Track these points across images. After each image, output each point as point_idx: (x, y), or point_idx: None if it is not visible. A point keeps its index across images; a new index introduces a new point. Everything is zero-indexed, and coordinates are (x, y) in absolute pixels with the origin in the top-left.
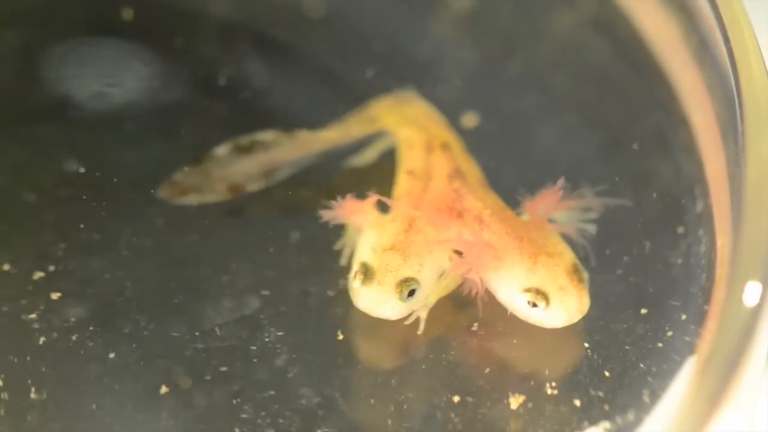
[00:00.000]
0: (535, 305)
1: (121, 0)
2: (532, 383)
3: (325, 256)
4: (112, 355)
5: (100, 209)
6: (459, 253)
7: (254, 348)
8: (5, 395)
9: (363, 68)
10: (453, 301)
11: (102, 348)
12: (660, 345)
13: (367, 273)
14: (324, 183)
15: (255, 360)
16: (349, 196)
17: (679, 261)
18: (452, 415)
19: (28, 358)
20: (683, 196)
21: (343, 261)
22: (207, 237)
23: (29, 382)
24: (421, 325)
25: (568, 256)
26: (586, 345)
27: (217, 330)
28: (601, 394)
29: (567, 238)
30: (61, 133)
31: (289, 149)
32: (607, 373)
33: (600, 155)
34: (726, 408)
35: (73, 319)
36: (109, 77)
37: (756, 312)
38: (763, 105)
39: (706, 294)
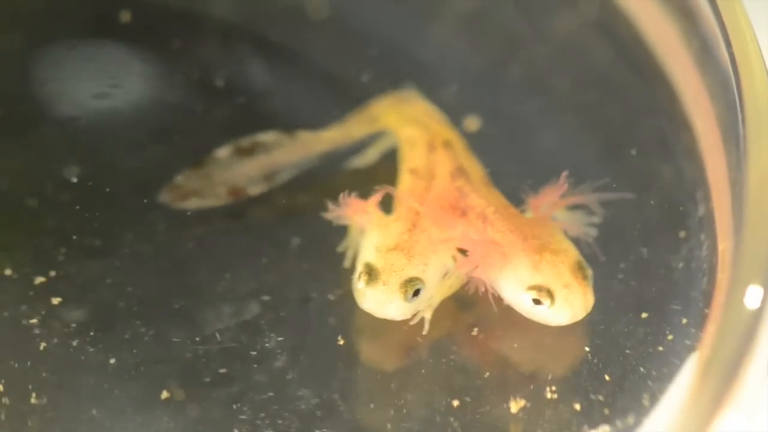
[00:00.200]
0: (539, 303)
1: (120, 3)
2: (532, 387)
3: (325, 261)
4: (112, 360)
5: (101, 214)
6: (463, 251)
7: (254, 353)
8: (6, 400)
9: (364, 71)
10: (453, 304)
11: (102, 353)
12: (660, 349)
13: (371, 273)
14: (325, 184)
15: (255, 365)
16: (352, 195)
17: (681, 265)
18: (452, 419)
19: (29, 363)
20: (685, 200)
21: (346, 263)
22: (207, 242)
23: (30, 387)
24: (426, 326)
25: (572, 254)
26: (587, 348)
27: (218, 335)
28: (601, 397)
29: (570, 236)
30: (61, 137)
31: (291, 150)
32: (607, 377)
33: (601, 159)
34: (727, 411)
35: (73, 325)
36: (109, 81)
37: (757, 315)
38: (764, 109)
39: (707, 298)
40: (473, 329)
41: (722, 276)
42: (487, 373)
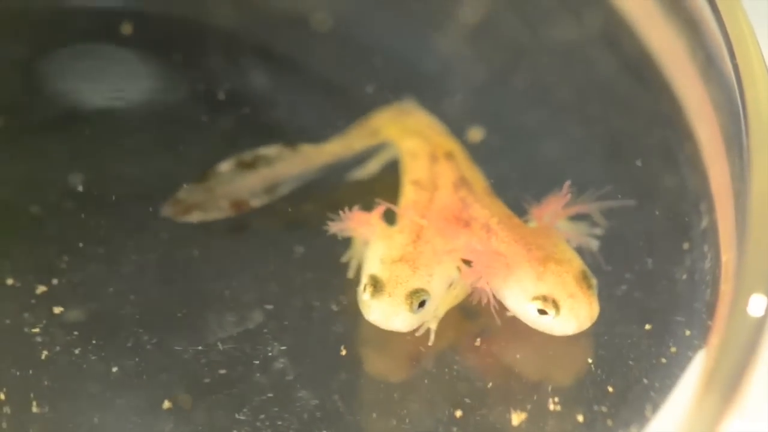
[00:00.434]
0: (544, 313)
1: (124, 13)
2: (535, 397)
3: (329, 271)
4: (114, 369)
5: (104, 223)
6: (467, 262)
7: (257, 362)
8: (7, 409)
9: (367, 81)
10: (458, 313)
11: (104, 361)
12: (664, 360)
13: (376, 285)
14: (327, 196)
15: (258, 374)
16: (355, 208)
17: (684, 277)
18: (454, 429)
19: (30, 371)
20: (688, 212)
21: (350, 274)
22: (210, 251)
23: (31, 395)
24: (432, 337)
25: (577, 263)
26: (590, 359)
27: (220, 344)
28: (604, 409)
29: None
30: (64, 146)
31: (292, 163)
32: (610, 388)
33: (605, 169)
34: (730, 422)
35: (75, 332)
36: (113, 90)
37: (760, 327)
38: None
39: (711, 310)
40: (477, 339)
41: (725, 287)
42: (490, 384)
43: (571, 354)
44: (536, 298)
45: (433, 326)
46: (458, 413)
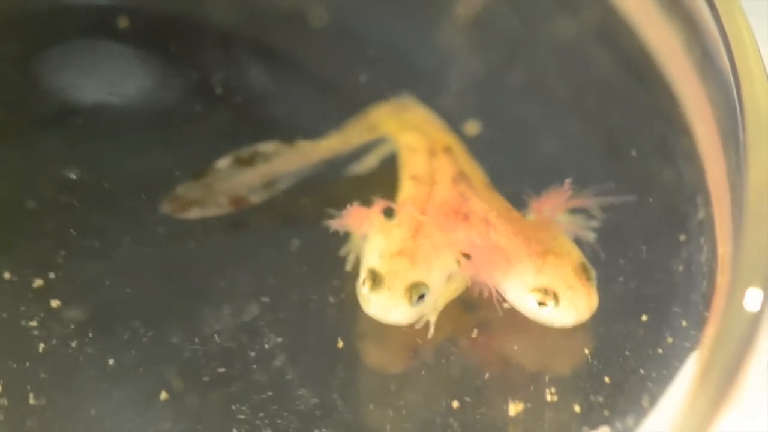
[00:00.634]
0: (544, 305)
1: (120, 9)
2: (532, 388)
3: (325, 264)
4: (111, 361)
5: (100, 216)
6: (467, 255)
7: (253, 354)
8: (4, 401)
9: (364, 76)
10: (455, 308)
11: (101, 354)
12: (660, 351)
13: (375, 279)
14: (325, 192)
15: (254, 366)
16: (354, 204)
17: (680, 268)
18: (451, 420)
19: (28, 363)
20: (685, 204)
21: (348, 266)
22: (207, 244)
23: (28, 387)
24: (431, 329)
25: (576, 255)
26: (587, 350)
27: (217, 336)
28: (600, 399)
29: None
30: (61, 141)
31: (290, 159)
32: (607, 379)
33: (602, 163)
34: (726, 413)
35: (72, 326)
36: (109, 85)
37: (756, 318)
38: (764, 114)
39: (707, 301)
40: (474, 331)
41: (722, 279)
42: (487, 375)
43: (567, 345)
44: (536, 290)
45: (433, 319)
46: (455, 404)
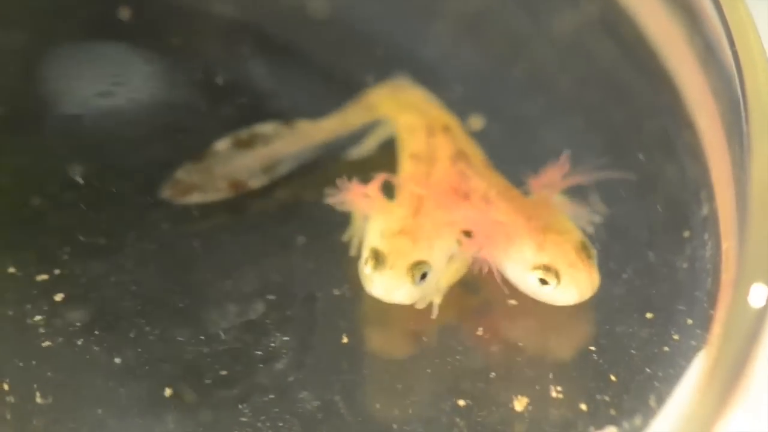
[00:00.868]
0: (545, 283)
1: (121, 2)
2: (537, 387)
3: (330, 258)
4: (117, 360)
5: (105, 213)
6: (468, 234)
7: (259, 352)
8: (10, 399)
9: (366, 70)
10: (458, 291)
11: (107, 352)
12: (666, 349)
13: (378, 258)
14: (325, 175)
15: (260, 365)
16: (353, 180)
17: (685, 265)
18: (457, 419)
19: (33, 362)
20: (688, 200)
21: (352, 251)
22: (211, 241)
23: (34, 386)
24: (435, 310)
25: (576, 234)
26: (592, 349)
27: (222, 334)
28: (607, 398)
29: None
30: (65, 136)
31: (289, 141)
32: (613, 378)
33: (605, 158)
34: (733, 411)
35: (78, 323)
36: (113, 79)
37: (762, 314)
38: None
39: (712, 298)
40: (479, 329)
41: (726, 275)
42: (493, 373)
43: (573, 343)
44: (537, 267)
45: (437, 300)
46: (461, 402)
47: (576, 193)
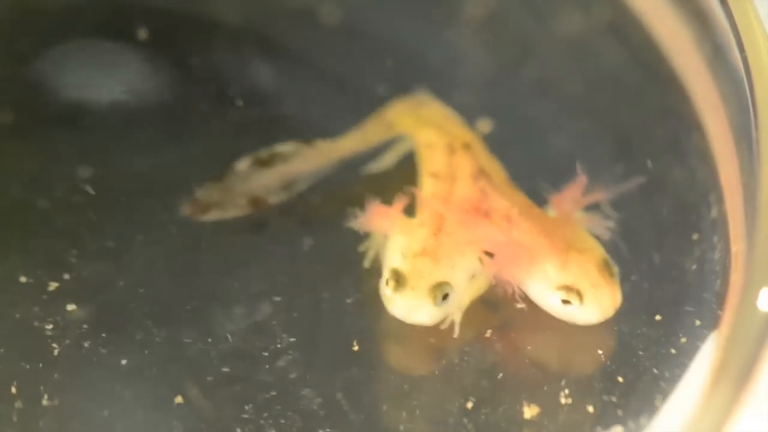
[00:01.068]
0: (569, 303)
1: (132, 10)
2: (545, 389)
3: (341, 264)
4: (124, 362)
5: (113, 217)
6: (489, 253)
7: (266, 354)
8: (18, 402)
9: (377, 75)
10: (474, 306)
11: (114, 355)
12: (673, 351)
13: (399, 280)
14: (344, 192)
15: (267, 366)
16: (375, 202)
17: (694, 267)
18: (465, 421)
19: (41, 364)
20: (698, 203)
21: (366, 263)
22: (219, 244)
23: (42, 388)
24: (456, 329)
25: (598, 252)
26: (600, 350)
27: (229, 336)
28: (614, 399)
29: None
30: (74, 141)
31: (309, 159)
32: (620, 379)
33: (614, 161)
34: (740, 413)
35: (85, 326)
36: (123, 85)
37: None
38: None
39: (720, 300)
40: (487, 332)
41: (735, 278)
42: (501, 376)
43: (581, 345)
44: (560, 288)
45: (458, 318)
46: (470, 406)
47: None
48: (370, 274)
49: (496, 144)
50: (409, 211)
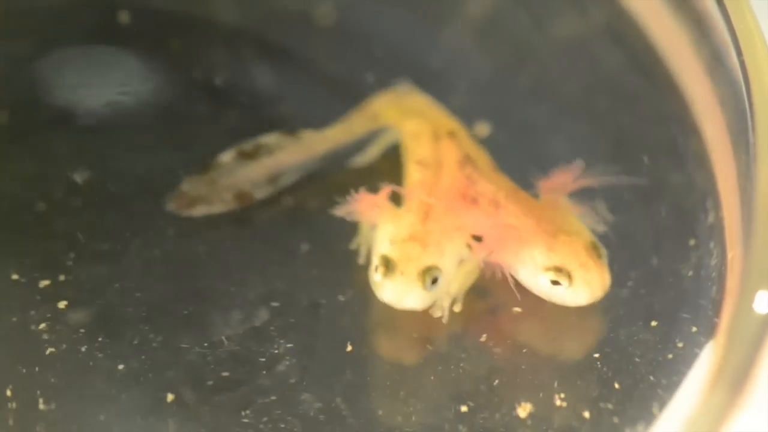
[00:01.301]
0: (557, 284)
1: (131, 11)
2: (541, 394)
3: (335, 265)
4: (120, 366)
5: (109, 219)
6: (477, 238)
7: (263, 359)
8: (13, 405)
9: (371, 77)
10: (464, 311)
11: (110, 358)
12: (670, 357)
13: (388, 265)
14: (330, 184)
15: (264, 371)
16: (361, 191)
17: (690, 273)
18: (460, 426)
19: (37, 368)
20: (694, 208)
21: (360, 260)
22: (216, 247)
23: (38, 392)
24: (446, 314)
25: (586, 234)
26: (596, 356)
27: (226, 341)
28: (610, 406)
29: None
30: (69, 142)
31: (294, 151)
32: (616, 385)
33: (611, 165)
34: (736, 419)
35: (81, 330)
36: (116, 86)
37: (766, 323)
38: None
39: (717, 306)
40: (482, 336)
41: (731, 284)
42: (496, 380)
43: (577, 350)
44: (548, 269)
45: (446, 303)
46: (464, 408)
47: (583, 200)
48: (364, 270)
49: (493, 147)
50: (396, 201)
